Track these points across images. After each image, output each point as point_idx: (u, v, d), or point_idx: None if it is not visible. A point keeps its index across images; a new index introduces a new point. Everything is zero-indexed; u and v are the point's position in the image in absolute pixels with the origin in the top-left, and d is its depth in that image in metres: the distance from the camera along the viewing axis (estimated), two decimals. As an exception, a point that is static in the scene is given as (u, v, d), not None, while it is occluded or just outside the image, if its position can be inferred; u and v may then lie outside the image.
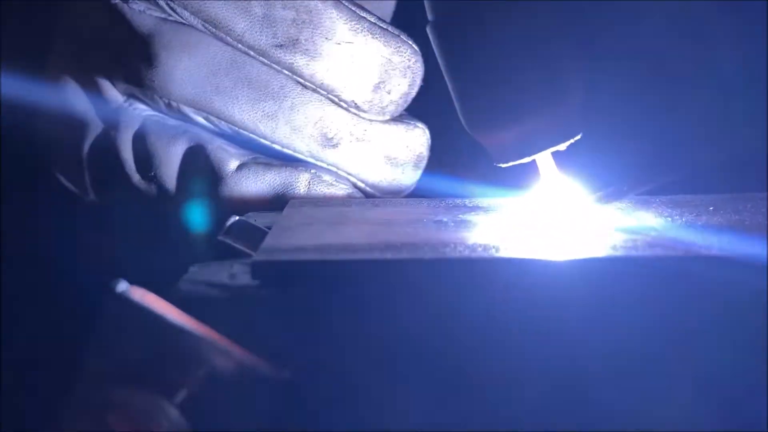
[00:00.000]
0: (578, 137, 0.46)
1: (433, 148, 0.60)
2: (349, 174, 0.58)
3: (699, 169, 0.46)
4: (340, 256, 0.39)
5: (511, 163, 0.47)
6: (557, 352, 0.39)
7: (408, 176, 0.59)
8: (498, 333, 0.39)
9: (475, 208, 0.50)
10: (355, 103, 0.58)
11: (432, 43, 0.46)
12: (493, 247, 0.41)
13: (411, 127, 0.59)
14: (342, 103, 0.57)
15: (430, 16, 0.46)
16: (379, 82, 0.57)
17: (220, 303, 0.39)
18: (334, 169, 0.58)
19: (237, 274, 0.41)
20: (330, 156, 0.58)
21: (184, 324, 0.33)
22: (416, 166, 0.59)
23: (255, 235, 0.45)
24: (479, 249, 0.41)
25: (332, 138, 0.58)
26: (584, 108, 0.46)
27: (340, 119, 0.58)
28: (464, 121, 0.46)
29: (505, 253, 0.40)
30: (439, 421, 0.38)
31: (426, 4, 0.46)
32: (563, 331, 0.39)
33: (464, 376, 0.38)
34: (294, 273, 0.39)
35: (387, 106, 0.58)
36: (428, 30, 0.46)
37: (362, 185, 0.59)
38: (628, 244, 0.41)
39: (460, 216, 0.48)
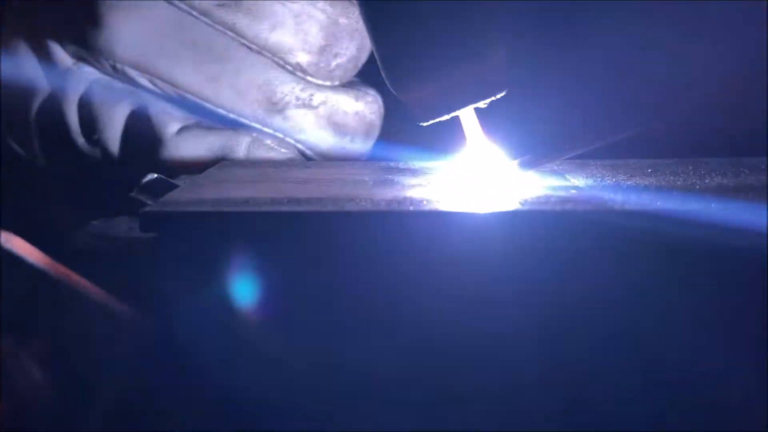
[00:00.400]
0: (501, 95, 0.44)
1: (392, 117, 0.59)
2: (296, 140, 0.57)
3: (626, 135, 0.44)
4: (225, 208, 0.38)
5: (431, 121, 0.44)
6: (463, 307, 0.37)
7: (357, 144, 0.58)
8: (401, 286, 0.37)
9: (405, 170, 0.49)
10: (301, 66, 0.56)
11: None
12: (398, 202, 0.39)
13: (362, 93, 0.58)
14: (287, 66, 0.56)
15: None
16: (326, 45, 0.56)
17: (107, 254, 0.38)
18: (280, 135, 0.57)
19: (135, 227, 0.40)
20: (275, 121, 0.57)
21: (48, 270, 0.32)
22: (366, 134, 0.58)
23: (168, 192, 0.44)
24: (382, 203, 0.39)
25: (277, 103, 0.56)
26: (507, 64, 0.43)
27: (285, 83, 0.56)
28: (386, 78, 0.44)
29: (404, 207, 0.38)
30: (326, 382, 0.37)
31: None
32: (470, 282, 0.37)
33: (367, 329, 0.37)
34: (185, 224, 0.37)
35: (334, 70, 0.57)
36: None
37: (309, 152, 0.58)
38: (541, 200, 0.40)
39: (384, 175, 0.47)
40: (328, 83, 0.57)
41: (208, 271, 0.37)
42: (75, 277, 0.33)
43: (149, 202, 0.44)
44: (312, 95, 0.56)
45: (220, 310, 0.36)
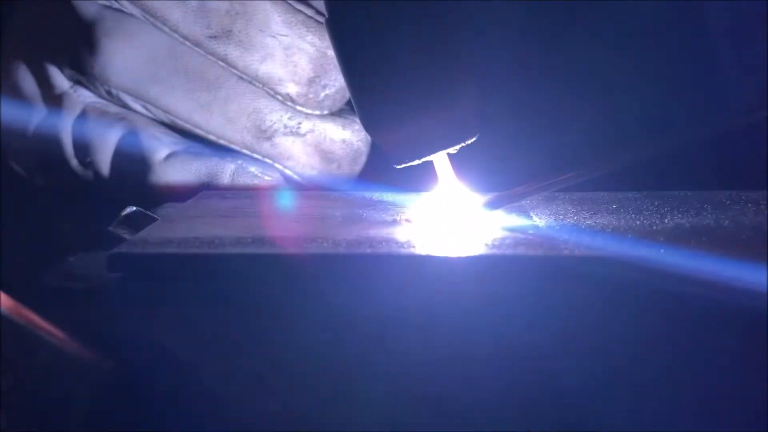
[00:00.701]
0: (472, 140, 0.46)
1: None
2: (284, 167, 0.59)
3: (589, 173, 0.45)
4: (187, 249, 0.39)
5: (405, 164, 0.46)
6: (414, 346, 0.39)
7: (344, 171, 0.59)
8: (345, 327, 0.39)
9: (377, 204, 0.50)
10: (291, 96, 0.58)
11: (330, 40, 0.46)
12: (358, 243, 0.41)
13: (349, 122, 0.59)
14: (278, 96, 0.58)
15: (327, 13, 0.46)
16: (315, 76, 0.58)
17: (75, 294, 0.39)
18: (269, 161, 0.59)
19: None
20: (264, 148, 0.58)
21: (11, 313, 0.34)
22: (353, 161, 0.60)
23: (146, 226, 0.46)
24: (343, 245, 0.41)
25: (266, 130, 0.58)
26: (478, 111, 0.45)
27: (274, 112, 0.58)
28: (360, 120, 0.46)
29: (365, 249, 0.40)
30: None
31: (324, 2, 0.46)
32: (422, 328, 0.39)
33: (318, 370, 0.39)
34: (152, 266, 0.39)
35: (323, 100, 0.58)
36: (326, 27, 0.46)
37: (297, 178, 0.59)
38: (496, 242, 0.41)
39: (355, 210, 0.48)
40: (317, 112, 0.59)
41: (170, 310, 0.38)
42: (37, 319, 0.35)
43: (125, 236, 0.45)
44: (300, 123, 0.58)
45: (180, 351, 0.38)
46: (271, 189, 0.57)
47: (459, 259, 0.39)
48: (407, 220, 0.47)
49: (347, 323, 0.38)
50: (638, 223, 0.45)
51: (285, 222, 0.45)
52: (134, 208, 0.49)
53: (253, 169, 0.57)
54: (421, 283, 0.39)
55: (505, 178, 0.48)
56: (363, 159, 0.60)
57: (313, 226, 0.44)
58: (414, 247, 0.40)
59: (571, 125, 0.46)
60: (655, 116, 0.47)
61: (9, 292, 0.37)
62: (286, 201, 0.53)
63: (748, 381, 0.38)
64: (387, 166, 0.49)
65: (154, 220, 0.47)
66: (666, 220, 0.45)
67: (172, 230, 0.44)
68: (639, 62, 0.45)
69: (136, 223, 0.47)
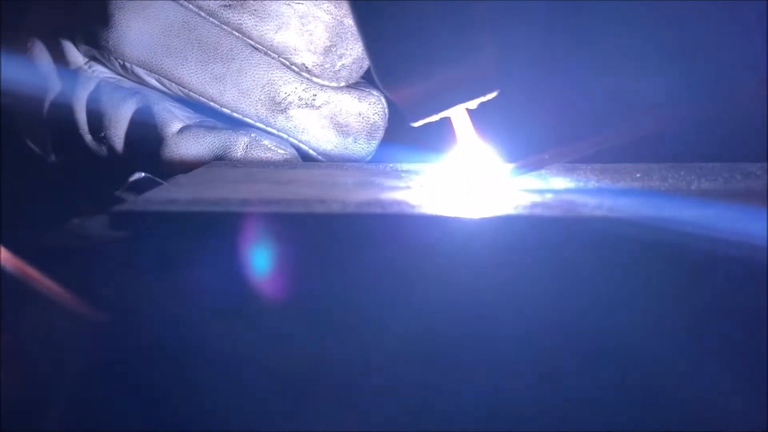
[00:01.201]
0: (492, 95, 0.43)
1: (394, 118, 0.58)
2: (299, 141, 0.57)
3: (620, 140, 0.43)
4: (190, 207, 0.38)
5: (422, 121, 0.44)
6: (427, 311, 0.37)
7: (360, 145, 0.58)
8: (366, 289, 0.37)
9: (391, 173, 0.49)
10: (306, 67, 0.56)
11: None
12: (367, 204, 0.39)
13: (365, 94, 0.58)
14: (293, 67, 0.56)
15: None
16: (330, 45, 0.56)
17: (79, 252, 0.38)
18: (284, 135, 0.57)
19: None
20: (278, 121, 0.57)
21: (9, 267, 0.33)
22: (370, 135, 0.58)
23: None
24: (351, 206, 0.39)
25: (280, 102, 0.57)
26: (499, 64, 0.43)
27: (289, 83, 0.57)
28: (376, 76, 0.44)
29: (375, 209, 0.38)
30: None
31: None
32: (434, 286, 0.37)
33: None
34: (148, 223, 0.38)
35: (339, 70, 0.57)
36: None
37: (312, 152, 0.58)
38: (512, 205, 0.39)
39: (367, 178, 0.47)
40: (333, 84, 0.57)
41: (173, 269, 0.37)
42: (37, 275, 0.34)
43: (131, 200, 0.44)
44: (315, 95, 0.57)
45: (184, 307, 0.37)
46: (281, 162, 0.55)
47: (469, 221, 0.37)
48: (422, 185, 0.45)
49: (356, 284, 0.37)
50: (663, 187, 0.43)
51: (294, 187, 0.44)
52: (142, 174, 0.48)
53: (266, 142, 0.56)
54: (430, 243, 0.37)
55: (525, 144, 0.46)
56: (380, 133, 0.59)
57: (322, 191, 0.43)
58: (424, 208, 0.39)
59: (595, 86, 0.45)
60: (687, 83, 0.46)
61: (11, 249, 0.36)
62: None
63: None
64: (406, 138, 0.47)
65: (159, 185, 0.46)
66: (693, 186, 0.43)
67: (178, 192, 0.42)
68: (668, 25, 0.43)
69: (143, 188, 0.47)
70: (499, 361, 0.37)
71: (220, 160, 0.56)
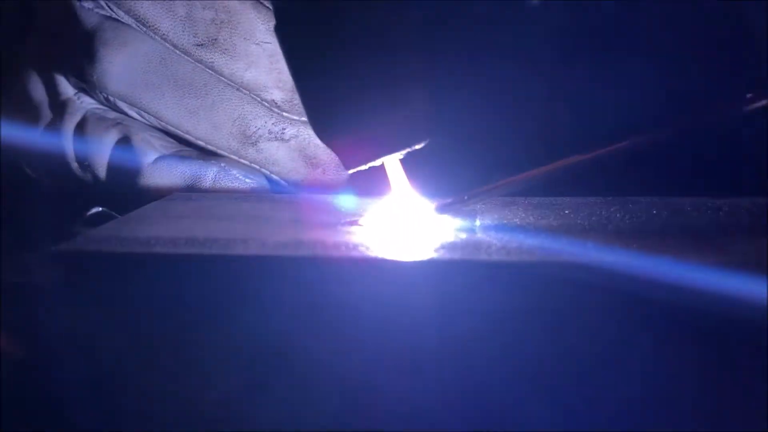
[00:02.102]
0: (421, 145, 0.45)
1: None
2: (270, 172, 0.60)
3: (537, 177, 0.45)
4: (115, 248, 0.41)
5: (355, 169, 0.46)
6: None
7: (330, 176, 0.60)
8: (276, 328, 0.39)
9: (334, 208, 0.51)
10: (276, 102, 0.59)
11: (279, 46, 0.46)
12: (284, 245, 0.42)
13: None
14: (264, 102, 0.59)
15: (275, 19, 0.46)
16: None
17: (23, 288, 0.41)
18: (256, 167, 0.60)
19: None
20: (249, 153, 0.60)
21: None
22: (339, 166, 0.60)
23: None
24: (271, 246, 0.41)
25: (251, 136, 0.59)
26: (426, 115, 0.44)
27: (259, 117, 0.59)
28: (311, 125, 0.46)
29: (289, 251, 0.41)
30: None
31: (271, 4, 0.46)
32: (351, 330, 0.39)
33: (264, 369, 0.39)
34: (79, 263, 0.40)
35: None
36: (275, 33, 0.46)
37: (284, 183, 0.61)
38: (423, 246, 0.41)
39: (309, 214, 0.49)
40: (303, 118, 0.60)
41: (103, 308, 0.40)
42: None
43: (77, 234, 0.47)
44: (284, 129, 0.59)
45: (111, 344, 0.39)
46: (251, 192, 0.58)
47: (381, 260, 0.39)
48: (353, 223, 0.47)
49: (267, 325, 0.39)
50: (580, 227, 0.44)
51: (229, 224, 0.47)
52: (99, 208, 0.51)
53: (235, 172, 0.59)
54: (343, 287, 0.39)
55: (457, 183, 0.47)
56: None
57: (253, 228, 0.45)
58: (341, 249, 0.41)
59: (525, 129, 0.46)
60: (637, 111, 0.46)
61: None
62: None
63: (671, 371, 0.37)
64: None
65: (114, 219, 0.49)
66: (610, 226, 0.44)
67: (120, 230, 0.45)
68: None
69: (99, 222, 0.49)
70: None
71: (191, 188, 0.58)
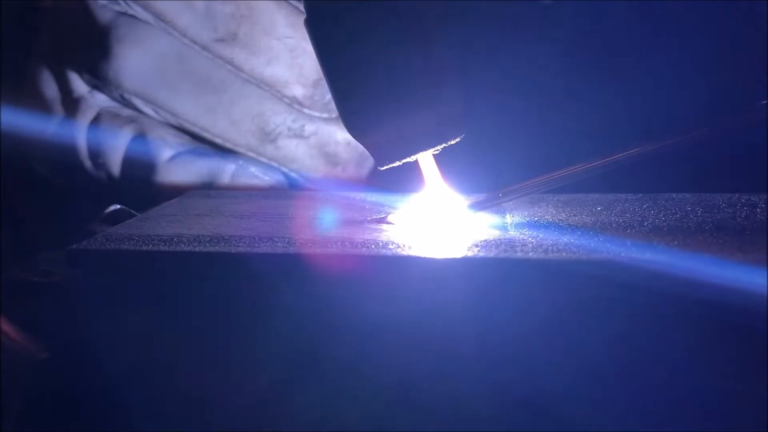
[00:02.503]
0: (456, 141, 0.44)
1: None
2: (289, 169, 0.59)
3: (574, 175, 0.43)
4: (139, 246, 0.39)
5: (388, 166, 0.45)
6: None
7: (349, 174, 0.59)
8: (300, 329, 0.38)
9: (363, 205, 0.50)
10: (297, 99, 0.58)
11: (310, 41, 0.44)
12: (314, 243, 0.40)
13: None
14: (284, 99, 0.58)
15: (305, 12, 0.44)
16: (320, 78, 0.57)
17: (39, 286, 0.40)
18: (275, 164, 0.59)
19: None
20: (268, 151, 0.59)
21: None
22: (358, 163, 0.59)
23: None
24: (298, 244, 0.40)
25: (269, 133, 0.58)
26: (461, 111, 0.43)
27: (278, 114, 0.58)
28: (343, 122, 0.45)
29: (315, 249, 0.39)
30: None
31: (303, 2, 0.45)
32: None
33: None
34: (97, 261, 0.39)
35: (329, 102, 0.58)
36: (305, 27, 0.44)
37: (302, 180, 0.59)
38: (458, 245, 0.40)
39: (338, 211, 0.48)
40: (324, 115, 0.59)
41: (121, 306, 0.38)
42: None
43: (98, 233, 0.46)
44: (303, 126, 0.58)
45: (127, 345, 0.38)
46: (270, 189, 0.57)
47: (417, 258, 0.38)
48: (384, 221, 0.46)
49: (292, 324, 0.38)
50: (615, 224, 0.43)
51: (252, 222, 0.45)
52: (118, 206, 0.49)
53: (253, 169, 0.58)
54: (370, 284, 0.38)
55: (490, 180, 0.47)
56: (369, 162, 0.60)
57: (277, 225, 0.44)
58: (364, 248, 0.40)
59: (560, 125, 0.45)
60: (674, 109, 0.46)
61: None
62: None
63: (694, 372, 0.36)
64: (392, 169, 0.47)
65: (132, 217, 0.48)
66: (646, 223, 0.43)
67: (140, 228, 0.44)
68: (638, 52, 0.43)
69: (118, 219, 0.48)
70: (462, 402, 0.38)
71: (208, 185, 0.57)
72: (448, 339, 0.38)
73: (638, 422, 0.37)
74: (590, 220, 0.44)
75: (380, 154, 0.44)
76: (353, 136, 0.45)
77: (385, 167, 0.45)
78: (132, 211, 0.48)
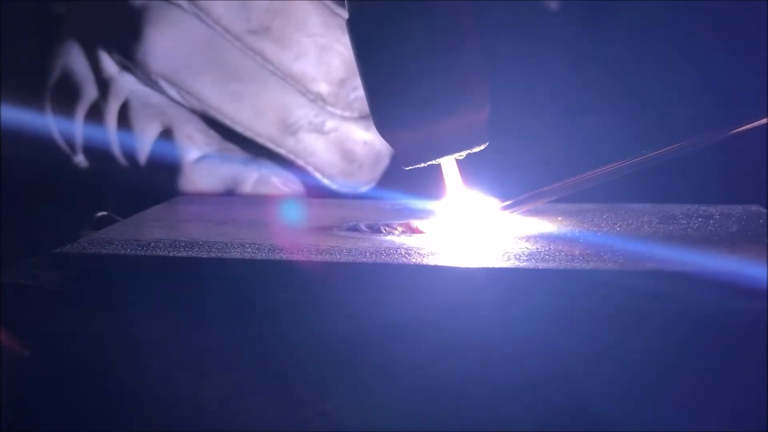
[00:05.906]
0: (481, 148, 0.44)
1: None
2: (306, 163, 0.59)
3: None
4: (117, 250, 0.39)
5: (412, 167, 0.44)
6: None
7: (365, 172, 0.60)
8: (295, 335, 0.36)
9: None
10: (321, 95, 0.59)
11: (350, 40, 0.44)
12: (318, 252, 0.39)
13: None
14: (309, 94, 0.58)
15: (347, 12, 0.44)
16: (346, 78, 0.58)
17: (24, 291, 0.38)
18: (292, 156, 0.59)
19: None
20: (288, 142, 0.59)
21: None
22: (374, 163, 0.60)
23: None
24: (268, 250, 0.39)
25: (291, 125, 0.58)
26: (487, 117, 0.43)
27: (301, 108, 0.58)
28: (374, 120, 0.44)
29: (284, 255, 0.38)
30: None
31: (347, 2, 0.45)
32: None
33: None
34: (84, 264, 0.39)
35: (353, 101, 0.59)
36: (346, 26, 0.44)
37: (319, 176, 0.60)
38: (489, 254, 0.38)
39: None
40: (346, 113, 0.59)
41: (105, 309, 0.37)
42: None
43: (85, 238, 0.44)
44: (324, 122, 0.58)
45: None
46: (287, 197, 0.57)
47: (436, 268, 0.37)
48: (404, 226, 0.46)
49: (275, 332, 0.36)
50: (643, 231, 0.40)
51: (233, 227, 0.45)
52: (105, 213, 0.49)
53: (274, 180, 0.58)
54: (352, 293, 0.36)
55: (515, 186, 0.46)
56: (384, 162, 0.60)
57: (252, 232, 0.43)
58: (338, 255, 0.38)
59: (587, 131, 0.42)
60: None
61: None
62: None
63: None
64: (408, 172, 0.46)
65: (118, 222, 0.47)
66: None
67: (123, 232, 0.43)
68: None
69: (105, 225, 0.47)
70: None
71: (229, 192, 0.57)
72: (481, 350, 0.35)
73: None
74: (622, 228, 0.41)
75: (405, 155, 0.44)
76: (382, 135, 0.45)
77: (410, 168, 0.45)
78: (116, 216, 0.47)
